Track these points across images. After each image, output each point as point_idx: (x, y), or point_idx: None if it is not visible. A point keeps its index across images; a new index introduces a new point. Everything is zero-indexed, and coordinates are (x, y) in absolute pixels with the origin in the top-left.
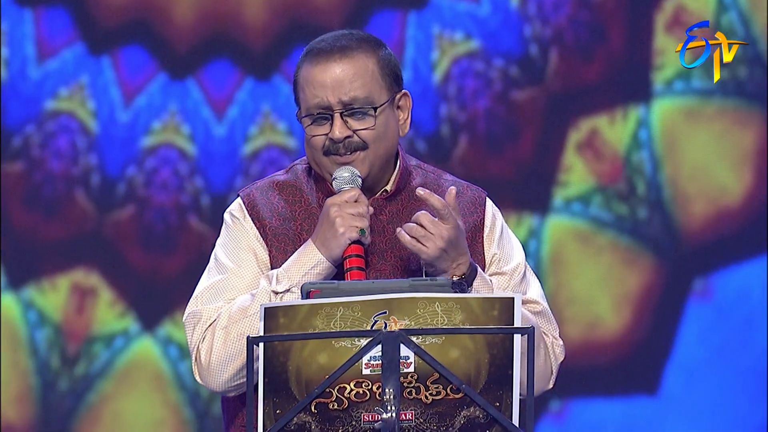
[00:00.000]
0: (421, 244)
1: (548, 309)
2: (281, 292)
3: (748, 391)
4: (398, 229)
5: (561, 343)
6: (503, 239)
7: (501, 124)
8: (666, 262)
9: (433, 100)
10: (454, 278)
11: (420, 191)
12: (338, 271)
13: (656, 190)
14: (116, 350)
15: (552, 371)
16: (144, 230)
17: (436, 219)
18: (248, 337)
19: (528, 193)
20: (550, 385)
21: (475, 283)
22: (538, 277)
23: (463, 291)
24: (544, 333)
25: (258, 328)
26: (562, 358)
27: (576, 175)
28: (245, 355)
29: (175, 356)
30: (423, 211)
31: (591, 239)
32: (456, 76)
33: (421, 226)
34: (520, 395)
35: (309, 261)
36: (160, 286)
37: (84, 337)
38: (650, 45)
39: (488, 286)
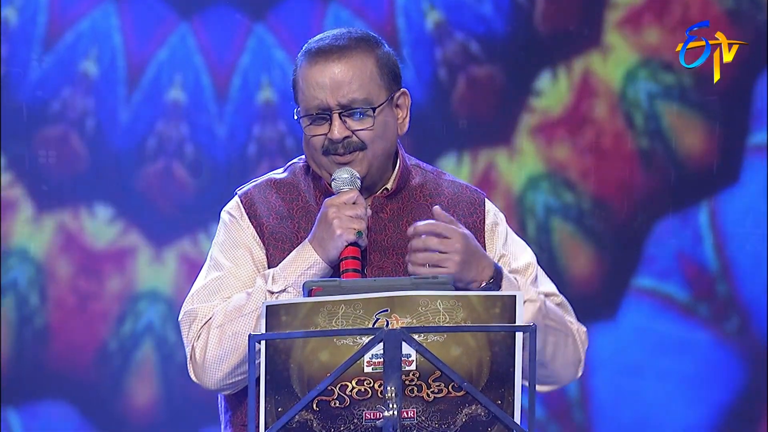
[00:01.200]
0: (441, 267)
1: (565, 299)
2: (277, 292)
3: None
4: (410, 267)
5: (584, 329)
6: (509, 240)
7: (498, 65)
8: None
9: (428, 44)
10: (484, 284)
11: (409, 230)
12: (334, 272)
13: (655, 120)
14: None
15: (581, 358)
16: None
17: (444, 237)
18: (250, 335)
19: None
20: (579, 373)
21: (503, 284)
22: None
23: None
24: (570, 321)
25: (253, 327)
26: (587, 344)
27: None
28: (240, 353)
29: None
30: (429, 236)
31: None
32: (448, 21)
33: (432, 250)
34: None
35: (305, 262)
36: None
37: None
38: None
39: (514, 285)
